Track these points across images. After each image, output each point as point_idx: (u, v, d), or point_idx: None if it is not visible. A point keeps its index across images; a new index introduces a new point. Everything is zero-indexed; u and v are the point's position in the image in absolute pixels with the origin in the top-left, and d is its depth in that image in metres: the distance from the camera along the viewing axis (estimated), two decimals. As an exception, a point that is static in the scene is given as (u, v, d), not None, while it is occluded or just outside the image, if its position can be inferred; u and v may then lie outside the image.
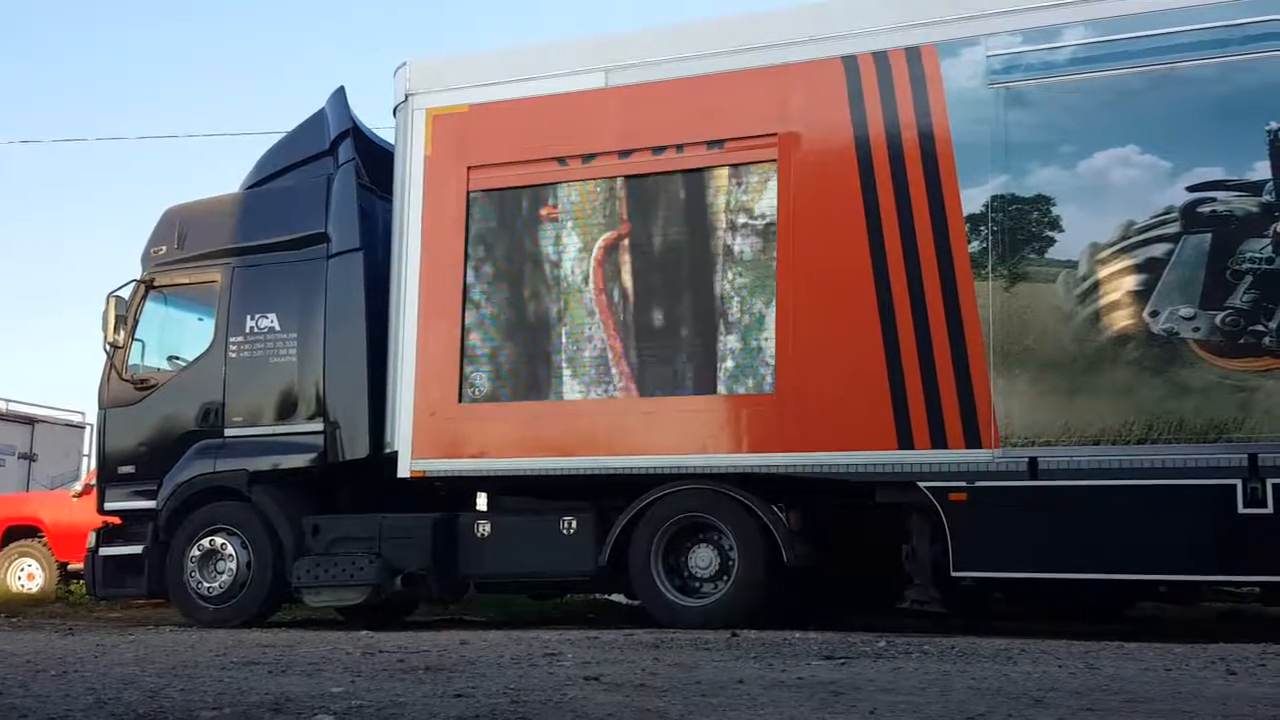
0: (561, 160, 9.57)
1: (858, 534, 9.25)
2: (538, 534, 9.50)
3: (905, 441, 8.28)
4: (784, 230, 8.80)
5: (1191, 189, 7.82)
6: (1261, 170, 7.69)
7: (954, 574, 8.16)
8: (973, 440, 8.12)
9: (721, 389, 8.92)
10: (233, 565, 10.21)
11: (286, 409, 10.37)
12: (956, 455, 8.16)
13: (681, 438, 8.97)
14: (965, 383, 8.16)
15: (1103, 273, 7.97)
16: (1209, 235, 7.75)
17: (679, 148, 9.24)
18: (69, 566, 15.06)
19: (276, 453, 10.34)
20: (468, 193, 9.75)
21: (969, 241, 8.26)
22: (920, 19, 8.58)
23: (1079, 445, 7.90)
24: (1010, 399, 8.07)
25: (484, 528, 9.68)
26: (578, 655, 6.60)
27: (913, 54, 8.54)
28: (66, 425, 24.14)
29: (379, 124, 11.24)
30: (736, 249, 8.98)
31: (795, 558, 8.71)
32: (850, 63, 8.72)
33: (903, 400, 8.29)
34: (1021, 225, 8.19)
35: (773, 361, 8.73)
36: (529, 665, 6.08)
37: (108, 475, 10.90)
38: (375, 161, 10.69)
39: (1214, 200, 7.77)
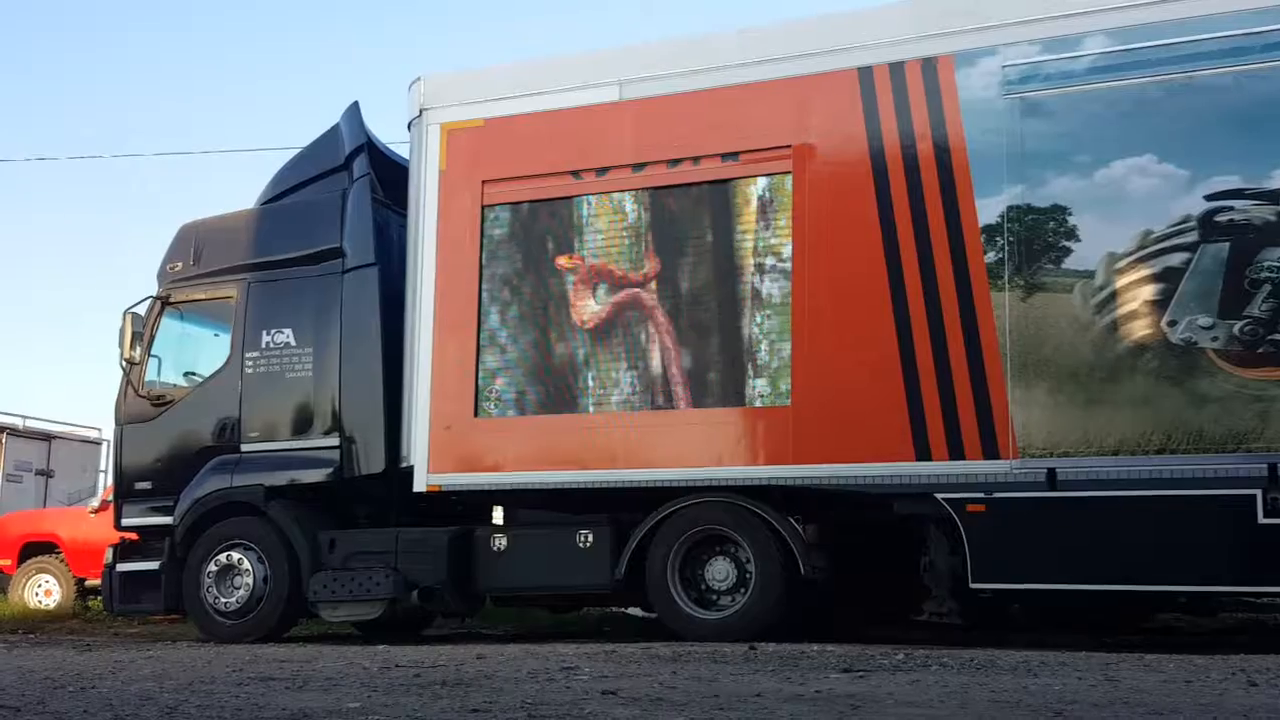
0: (576, 174, 9.58)
1: (875, 546, 9.21)
2: (554, 547, 9.48)
3: (922, 453, 8.24)
4: (799, 242, 8.78)
5: (1209, 198, 7.77)
6: (1279, 179, 7.66)
7: (972, 585, 8.12)
8: (990, 451, 8.08)
9: (738, 401, 8.90)
10: (249, 580, 10.21)
11: (302, 424, 10.39)
12: (974, 466, 8.13)
13: (698, 450, 8.94)
14: (982, 393, 8.13)
15: (1120, 282, 7.94)
16: (1227, 244, 7.71)
17: (694, 160, 9.24)
18: (86, 582, 15.10)
19: (293, 468, 10.35)
20: (482, 207, 9.76)
21: (985, 252, 8.23)
22: (936, 30, 8.57)
23: (1097, 456, 7.85)
24: (1028, 409, 8.03)
25: (500, 541, 9.67)
26: (595, 669, 6.58)
27: (928, 65, 8.53)
28: (83, 441, 24.27)
29: (393, 139, 11.29)
30: (753, 261, 8.95)
31: (812, 570, 8.69)
32: (865, 74, 8.71)
33: (920, 411, 8.26)
34: (1038, 235, 8.16)
35: (789, 373, 8.71)
36: (546, 679, 6.06)
37: (125, 491, 10.92)
38: (390, 176, 10.71)
39: (1232, 209, 7.73)
